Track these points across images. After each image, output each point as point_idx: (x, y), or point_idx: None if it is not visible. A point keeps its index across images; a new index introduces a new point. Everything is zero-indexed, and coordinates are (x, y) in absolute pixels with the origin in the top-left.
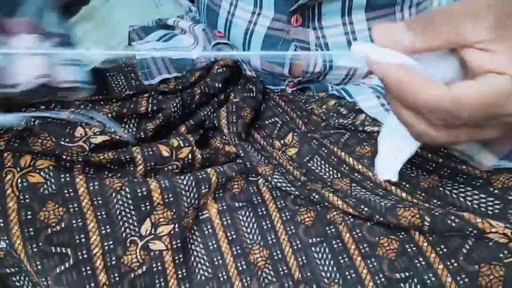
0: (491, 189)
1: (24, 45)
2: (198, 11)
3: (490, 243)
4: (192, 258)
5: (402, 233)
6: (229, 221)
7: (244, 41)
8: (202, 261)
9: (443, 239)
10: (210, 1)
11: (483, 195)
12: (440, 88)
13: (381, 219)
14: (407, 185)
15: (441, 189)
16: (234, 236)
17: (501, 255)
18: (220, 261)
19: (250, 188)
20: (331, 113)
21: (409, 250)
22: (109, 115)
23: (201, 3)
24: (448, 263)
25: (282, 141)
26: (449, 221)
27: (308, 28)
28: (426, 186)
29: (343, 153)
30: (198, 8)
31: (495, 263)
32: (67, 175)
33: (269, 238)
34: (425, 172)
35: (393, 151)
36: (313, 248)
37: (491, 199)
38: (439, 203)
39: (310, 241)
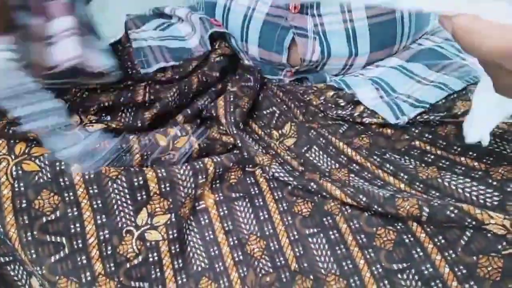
0: (490, 180)
1: (62, 27)
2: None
3: (489, 235)
4: (189, 249)
5: (400, 223)
6: (226, 212)
7: (242, 28)
8: (198, 251)
9: (441, 230)
10: None
11: (482, 187)
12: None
13: (379, 209)
14: (406, 176)
15: (439, 180)
16: (231, 227)
17: (499, 246)
18: (217, 252)
19: (247, 179)
20: (329, 104)
21: (407, 240)
22: (107, 103)
23: None
24: (446, 254)
25: (280, 131)
26: (448, 212)
27: (306, 15)
28: (425, 177)
29: (341, 144)
30: None
31: (493, 254)
32: (63, 163)
33: (266, 229)
34: (423, 163)
35: (486, 111)
36: (310, 239)
37: (490, 190)
38: (437, 194)
39: (307, 232)
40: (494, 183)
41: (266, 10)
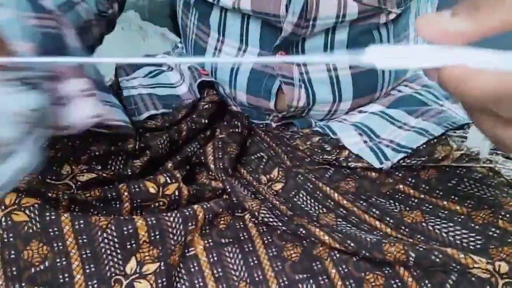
0: (472, 224)
1: (76, 89)
2: (185, 47)
3: (473, 278)
4: None
5: (388, 268)
6: (216, 258)
7: (231, 76)
8: None
9: (427, 274)
10: (198, 38)
11: (464, 231)
12: (498, 73)
13: (367, 254)
14: (392, 221)
15: (424, 224)
16: (220, 274)
17: None
18: None
19: (237, 224)
20: (315, 149)
21: (394, 285)
22: (97, 153)
23: (189, 40)
24: None
25: (268, 176)
26: (433, 257)
27: (292, 64)
28: (410, 221)
29: (328, 188)
30: (185, 44)
31: None
32: (53, 213)
33: (255, 275)
34: (408, 207)
35: None
36: (299, 285)
37: (473, 234)
38: (422, 238)
39: (297, 277)
40: (476, 227)
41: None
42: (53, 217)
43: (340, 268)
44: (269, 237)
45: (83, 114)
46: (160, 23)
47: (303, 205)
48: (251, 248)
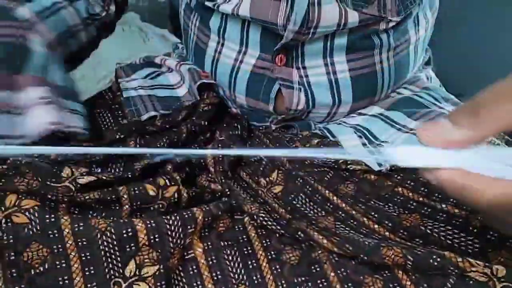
0: (470, 227)
1: (33, 97)
2: (186, 48)
3: (471, 282)
4: None
5: (386, 272)
6: (215, 261)
7: (230, 78)
8: None
9: (425, 278)
10: (198, 39)
11: (462, 234)
12: (502, 184)
13: (365, 258)
14: (390, 224)
15: (422, 228)
16: (219, 276)
17: None
18: None
19: (236, 227)
20: None
21: None
22: (97, 157)
23: (189, 41)
24: None
25: (267, 179)
26: (431, 260)
27: (291, 67)
28: (408, 224)
29: (327, 191)
30: (186, 45)
31: None
32: (52, 215)
33: (254, 277)
34: (406, 210)
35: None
36: None
37: (471, 237)
38: (421, 241)
39: (295, 280)
40: (474, 230)
41: (253, 62)
42: (52, 219)
43: (339, 272)
44: (268, 240)
45: (38, 122)
46: (160, 25)
47: (302, 208)
48: (250, 251)
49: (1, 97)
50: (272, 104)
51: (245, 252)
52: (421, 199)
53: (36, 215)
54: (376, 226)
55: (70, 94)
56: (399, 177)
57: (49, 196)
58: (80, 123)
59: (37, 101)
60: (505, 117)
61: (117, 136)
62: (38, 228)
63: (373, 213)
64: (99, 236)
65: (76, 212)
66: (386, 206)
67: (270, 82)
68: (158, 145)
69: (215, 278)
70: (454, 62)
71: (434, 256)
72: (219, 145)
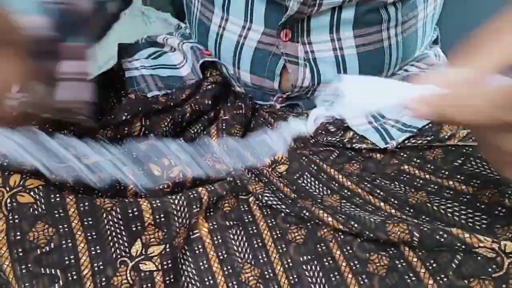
0: (478, 204)
1: (72, 70)
2: (189, 25)
3: (479, 258)
4: (183, 279)
5: (392, 249)
6: (220, 240)
7: (234, 55)
8: (193, 281)
9: (432, 254)
10: (202, 15)
11: (470, 210)
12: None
13: (371, 235)
14: (396, 202)
15: (429, 205)
16: (225, 256)
17: (489, 269)
18: (211, 281)
19: (241, 207)
20: (320, 131)
21: (399, 266)
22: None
23: (193, 17)
24: (438, 278)
25: (272, 158)
26: (437, 237)
27: (297, 43)
28: (414, 202)
29: (332, 170)
30: (190, 22)
31: (484, 277)
32: (57, 195)
33: (260, 256)
34: (413, 188)
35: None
36: (304, 267)
37: (478, 214)
38: (427, 219)
39: (301, 259)
40: (482, 206)
41: (257, 38)
42: (58, 199)
43: (345, 249)
44: (273, 220)
45: (66, 95)
46: (162, 9)
47: (307, 187)
48: (255, 231)
49: (48, 65)
50: (277, 81)
51: (251, 232)
52: (427, 176)
53: (42, 194)
54: (382, 204)
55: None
56: (405, 155)
57: (54, 176)
58: (81, 95)
59: (73, 75)
60: (505, 49)
61: (124, 117)
62: (44, 207)
63: (378, 191)
64: (104, 215)
65: (81, 191)
66: (392, 184)
67: (275, 58)
68: (163, 125)
69: (221, 257)
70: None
71: (441, 233)
72: (223, 124)
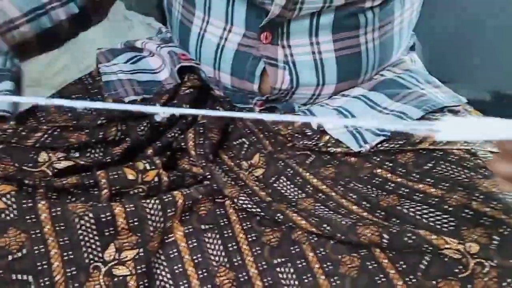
0: (445, 206)
1: None
2: (171, 28)
3: (446, 259)
4: (157, 283)
5: (364, 250)
6: (195, 244)
7: (215, 57)
8: (167, 285)
9: (402, 255)
10: (183, 17)
11: (438, 213)
12: None
13: (343, 237)
14: (368, 205)
15: (399, 207)
16: (200, 259)
17: (456, 270)
18: (186, 285)
19: (217, 210)
20: (296, 134)
21: (370, 267)
22: (76, 145)
23: (174, 20)
24: (407, 279)
25: (249, 162)
26: (405, 238)
27: (277, 45)
28: (386, 205)
29: (307, 174)
30: (171, 24)
31: (451, 278)
32: (29, 200)
33: (235, 260)
34: (385, 192)
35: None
36: (278, 269)
37: (446, 216)
38: (398, 221)
39: (275, 261)
40: (450, 209)
41: (238, 40)
42: (30, 204)
43: (318, 251)
44: (248, 223)
45: None
46: (147, 12)
47: (282, 191)
48: (230, 234)
49: None
50: (257, 83)
51: (226, 235)
52: (399, 179)
53: (13, 200)
54: (354, 207)
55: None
56: (378, 159)
57: (26, 181)
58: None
59: None
60: None
61: (99, 122)
62: (16, 213)
63: (351, 195)
64: (77, 220)
65: (54, 197)
66: (365, 187)
67: (255, 61)
68: (139, 130)
69: (196, 261)
70: (442, 49)
71: (409, 234)
72: (201, 128)
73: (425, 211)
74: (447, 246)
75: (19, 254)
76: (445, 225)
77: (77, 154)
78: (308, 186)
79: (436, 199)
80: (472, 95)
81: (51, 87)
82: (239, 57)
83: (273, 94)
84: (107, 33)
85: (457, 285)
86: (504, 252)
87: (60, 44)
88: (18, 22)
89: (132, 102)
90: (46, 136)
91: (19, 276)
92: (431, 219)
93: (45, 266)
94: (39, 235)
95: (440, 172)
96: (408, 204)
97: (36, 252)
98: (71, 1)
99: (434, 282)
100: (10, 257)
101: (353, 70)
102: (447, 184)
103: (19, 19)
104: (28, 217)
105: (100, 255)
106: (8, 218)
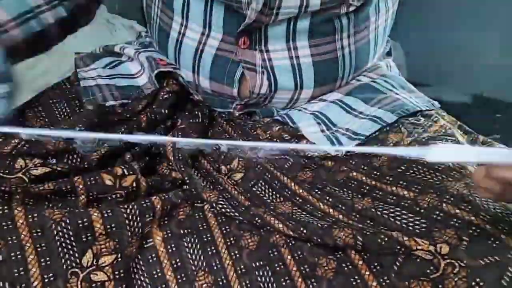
0: (418, 208)
1: None
2: (150, 32)
3: (418, 260)
4: None
5: (340, 253)
6: (174, 249)
7: (194, 61)
8: None
9: (376, 257)
10: (162, 21)
11: (410, 215)
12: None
13: (319, 240)
14: (343, 208)
15: (373, 210)
16: (179, 264)
17: (428, 271)
18: None
19: (196, 215)
20: (275, 139)
21: (346, 269)
22: (52, 152)
23: (153, 24)
24: (381, 280)
25: (228, 166)
26: (379, 240)
27: (254, 50)
28: (360, 208)
29: (285, 178)
30: (150, 29)
31: (423, 278)
32: (5, 207)
33: (213, 263)
34: (359, 195)
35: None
36: (256, 272)
37: (418, 218)
38: (371, 223)
39: (254, 265)
40: (422, 211)
41: (216, 45)
42: (6, 210)
43: (296, 255)
44: (227, 227)
45: None
46: (131, 15)
47: (261, 195)
48: (209, 238)
49: None
50: (236, 87)
51: (205, 239)
52: (373, 183)
53: None
54: (330, 210)
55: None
56: (354, 163)
57: (2, 188)
58: None
59: None
60: None
61: (77, 128)
62: None
63: (328, 198)
64: (54, 226)
65: (31, 203)
66: (341, 191)
67: (234, 65)
68: (118, 133)
69: (175, 265)
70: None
71: (382, 236)
72: (179, 133)
73: (398, 213)
74: (419, 247)
75: None
76: (417, 227)
77: (54, 161)
78: (286, 190)
79: (409, 201)
80: (453, 98)
81: (31, 90)
82: (217, 62)
83: (252, 98)
84: (88, 37)
85: (428, 285)
86: (473, 253)
87: (49, 48)
88: (8, 26)
89: (111, 106)
90: (23, 143)
91: None
92: (404, 221)
93: (22, 273)
94: (15, 241)
95: (413, 175)
96: (381, 206)
97: (13, 258)
98: (59, 5)
99: (406, 282)
100: None
101: (330, 74)
102: (419, 187)
103: (8, 22)
104: (4, 223)
105: (77, 261)
106: None
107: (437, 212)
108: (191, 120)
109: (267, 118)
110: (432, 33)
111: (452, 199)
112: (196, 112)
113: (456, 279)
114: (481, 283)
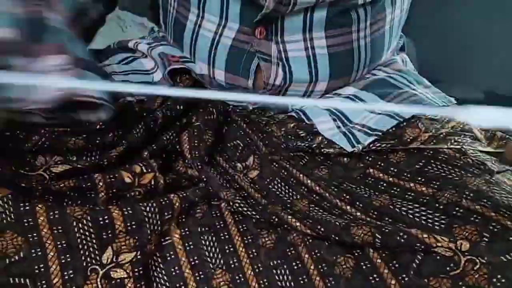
0: (437, 205)
1: (51, 64)
2: (165, 25)
3: (438, 257)
4: (155, 285)
5: (358, 251)
6: (192, 246)
7: (209, 52)
8: (164, 287)
9: (394, 255)
10: (178, 14)
11: (429, 211)
12: None
13: (337, 238)
14: (361, 205)
15: (391, 207)
16: (197, 261)
17: (447, 268)
18: (183, 287)
19: (213, 213)
20: (290, 136)
21: (364, 267)
22: (73, 146)
23: (169, 17)
24: (400, 278)
25: (244, 164)
26: (398, 237)
27: (270, 41)
28: (378, 205)
29: (301, 175)
30: (165, 22)
31: (442, 276)
32: (27, 204)
33: (231, 262)
34: (377, 191)
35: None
36: (274, 271)
37: (437, 214)
38: (390, 221)
39: (271, 263)
40: (441, 207)
41: (232, 36)
42: (27, 207)
43: (313, 253)
44: (244, 225)
45: (50, 88)
46: (140, 12)
47: (277, 192)
48: (227, 236)
49: (20, 64)
50: (251, 79)
51: (222, 237)
52: (390, 179)
53: (10, 203)
54: (348, 207)
55: (91, 66)
56: (370, 159)
57: (23, 185)
58: (100, 94)
59: (53, 68)
60: None
61: (98, 127)
62: (13, 217)
63: (345, 195)
64: (75, 224)
65: (51, 200)
66: (358, 188)
67: (249, 56)
68: (135, 132)
69: (193, 263)
70: (435, 49)
71: (401, 234)
72: (195, 130)
73: (416, 209)
74: (438, 244)
75: (16, 258)
76: (437, 223)
77: (74, 158)
78: (303, 188)
79: (427, 198)
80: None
81: None
82: (233, 53)
83: (267, 90)
84: (100, 33)
85: (448, 282)
86: (494, 249)
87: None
88: (86, 6)
89: (128, 102)
90: (43, 140)
91: (16, 280)
92: (423, 217)
93: (43, 270)
94: (36, 238)
95: (431, 171)
96: (400, 203)
97: (34, 255)
98: (100, 1)
99: (426, 280)
100: (7, 261)
101: (345, 67)
102: (438, 183)
103: (87, 3)
104: (25, 220)
105: (97, 258)
106: (5, 221)
107: (457, 208)
108: (206, 117)
109: (281, 114)
110: (444, 28)
111: (471, 195)
112: (211, 109)
113: (476, 276)
114: (503, 280)
